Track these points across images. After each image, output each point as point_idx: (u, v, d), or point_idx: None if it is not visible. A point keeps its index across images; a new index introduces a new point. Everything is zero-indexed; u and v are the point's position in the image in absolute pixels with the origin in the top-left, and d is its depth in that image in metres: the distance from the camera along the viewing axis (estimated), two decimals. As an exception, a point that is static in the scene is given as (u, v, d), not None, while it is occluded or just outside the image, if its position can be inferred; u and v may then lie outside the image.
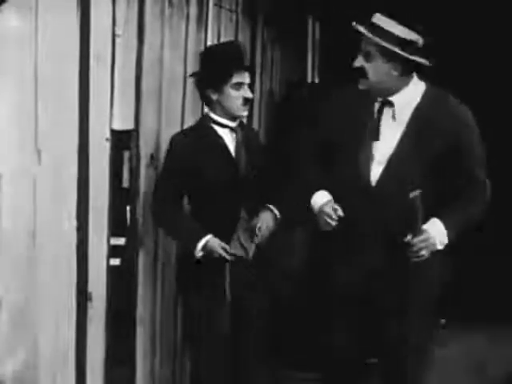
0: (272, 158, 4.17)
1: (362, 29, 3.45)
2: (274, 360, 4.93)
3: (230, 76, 3.76)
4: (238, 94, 3.78)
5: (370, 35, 3.42)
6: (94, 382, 3.40)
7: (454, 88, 3.60)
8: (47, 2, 2.96)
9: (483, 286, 6.39)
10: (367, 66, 3.48)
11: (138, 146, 3.79)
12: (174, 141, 3.81)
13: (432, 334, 3.65)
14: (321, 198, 3.60)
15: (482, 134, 3.58)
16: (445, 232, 3.42)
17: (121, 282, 3.75)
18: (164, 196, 3.77)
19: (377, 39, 3.41)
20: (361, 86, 3.53)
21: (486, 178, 3.54)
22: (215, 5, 4.63)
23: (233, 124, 3.84)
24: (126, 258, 3.87)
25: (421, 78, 3.58)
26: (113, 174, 3.48)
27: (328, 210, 3.52)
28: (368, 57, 3.47)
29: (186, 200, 3.95)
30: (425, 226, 3.40)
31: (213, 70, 3.81)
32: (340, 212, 3.50)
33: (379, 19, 3.45)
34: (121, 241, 3.98)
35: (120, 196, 3.79)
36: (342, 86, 3.75)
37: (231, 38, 4.98)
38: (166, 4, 3.98)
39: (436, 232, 3.41)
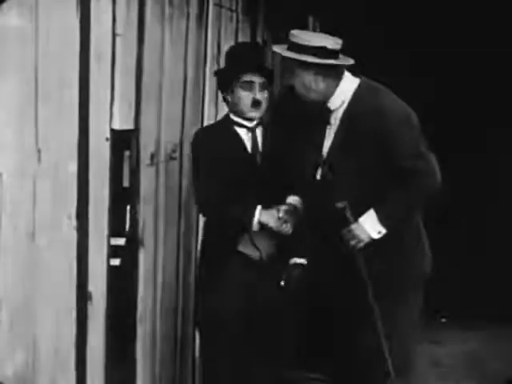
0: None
1: (277, 49, 3.65)
2: (281, 360, 4.93)
3: (238, 76, 3.77)
4: (246, 94, 3.78)
5: (285, 53, 3.60)
6: (95, 382, 3.40)
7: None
8: (48, 1, 2.96)
9: (483, 286, 6.40)
10: (295, 81, 3.63)
11: (138, 146, 3.78)
12: (197, 139, 3.88)
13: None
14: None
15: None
16: (377, 221, 3.54)
17: (121, 282, 3.75)
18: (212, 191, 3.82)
19: (291, 54, 3.57)
20: (304, 99, 3.68)
21: (423, 166, 3.55)
22: (215, 4, 4.63)
23: (249, 124, 3.84)
24: (126, 258, 3.86)
25: (357, 74, 3.69)
26: (113, 174, 3.47)
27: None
28: (293, 73, 3.62)
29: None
30: (360, 218, 3.55)
31: (225, 69, 3.88)
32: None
33: (294, 36, 3.59)
34: (121, 241, 3.97)
35: (120, 196, 3.78)
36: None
37: (231, 37, 4.98)
38: (167, 4, 3.98)
39: (369, 222, 3.55)
